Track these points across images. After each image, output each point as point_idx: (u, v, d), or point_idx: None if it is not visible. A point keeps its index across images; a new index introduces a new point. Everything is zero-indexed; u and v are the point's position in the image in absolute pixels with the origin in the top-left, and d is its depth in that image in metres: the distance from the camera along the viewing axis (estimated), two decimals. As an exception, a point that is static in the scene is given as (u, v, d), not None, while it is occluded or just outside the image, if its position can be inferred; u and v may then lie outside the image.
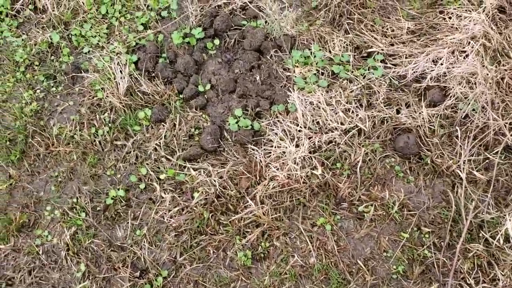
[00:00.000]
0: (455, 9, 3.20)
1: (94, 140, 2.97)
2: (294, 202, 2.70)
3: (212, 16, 3.33)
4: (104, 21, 3.45)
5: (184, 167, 2.84)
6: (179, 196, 2.75)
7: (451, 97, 2.87)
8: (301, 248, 2.60)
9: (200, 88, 3.10)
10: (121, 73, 3.10)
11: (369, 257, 2.57)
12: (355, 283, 2.50)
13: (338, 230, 2.63)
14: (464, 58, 2.96)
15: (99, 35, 3.38)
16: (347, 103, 2.91)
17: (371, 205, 2.64)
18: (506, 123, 2.71)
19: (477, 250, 2.46)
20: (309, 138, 2.82)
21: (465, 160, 2.66)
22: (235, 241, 2.62)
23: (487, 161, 2.70)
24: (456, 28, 3.12)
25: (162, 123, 3.00)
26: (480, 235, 2.51)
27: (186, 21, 3.37)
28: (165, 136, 2.94)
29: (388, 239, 2.60)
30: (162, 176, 2.81)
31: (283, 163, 2.75)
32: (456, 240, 2.53)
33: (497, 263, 2.44)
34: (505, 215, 2.51)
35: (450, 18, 3.18)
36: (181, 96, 3.09)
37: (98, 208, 2.78)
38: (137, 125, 3.01)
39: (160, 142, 2.91)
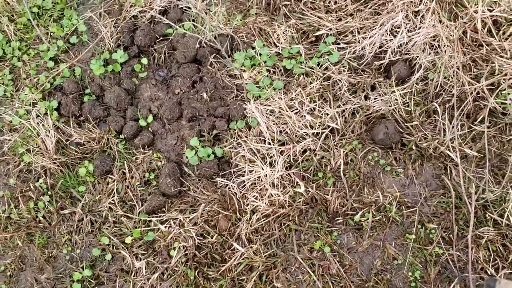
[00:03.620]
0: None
1: (36, 216, 2.46)
2: (284, 231, 2.36)
3: (130, 31, 2.78)
4: (3, 64, 2.81)
5: (150, 221, 2.40)
6: (154, 259, 2.34)
7: (418, 68, 2.55)
8: (304, 280, 2.29)
9: (142, 123, 2.60)
10: (44, 127, 2.55)
11: (380, 270, 2.30)
12: (373, 303, 2.24)
13: (339, 248, 2.33)
14: (420, 21, 2.63)
15: (3, 84, 2.76)
16: (310, 102, 2.53)
17: (368, 212, 2.34)
18: (483, 84, 2.43)
19: (488, 234, 2.24)
20: (281, 153, 2.45)
21: (451, 138, 2.39)
22: (232, 295, 2.27)
23: (473, 132, 2.44)
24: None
25: (109, 175, 2.51)
26: (487, 216, 2.29)
27: (101, 43, 2.80)
28: (117, 190, 2.47)
29: (395, 245, 2.33)
30: (128, 240, 2.37)
31: (260, 189, 2.38)
32: (464, 228, 2.30)
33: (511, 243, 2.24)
34: (508, 190, 2.28)
35: (393, -25, 2.80)
36: (121, 136, 2.59)
37: (65, 298, 2.33)
38: (81, 184, 2.51)
39: (114, 200, 2.44)
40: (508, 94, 2.39)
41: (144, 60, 2.74)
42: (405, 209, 2.36)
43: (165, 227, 2.36)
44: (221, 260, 2.32)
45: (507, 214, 2.24)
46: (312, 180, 2.43)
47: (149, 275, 2.30)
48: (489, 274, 2.19)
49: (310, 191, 2.37)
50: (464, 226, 2.30)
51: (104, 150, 2.56)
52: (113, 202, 2.44)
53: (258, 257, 2.27)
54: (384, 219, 2.34)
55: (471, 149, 2.39)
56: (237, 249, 2.29)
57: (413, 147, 2.44)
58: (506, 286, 1.93)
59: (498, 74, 2.44)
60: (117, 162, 2.52)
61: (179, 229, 2.33)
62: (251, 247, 2.30)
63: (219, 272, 2.28)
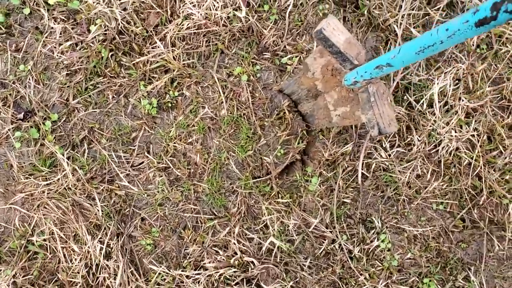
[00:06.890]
0: None
1: None
2: (211, 48, 2.26)
3: None
4: None
5: (80, -8, 2.24)
6: (72, 28, 2.20)
7: None
8: (213, 98, 2.25)
9: None
10: None
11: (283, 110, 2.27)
12: (266, 139, 2.24)
13: (256, 81, 2.27)
14: None
15: None
16: None
17: (296, 56, 2.27)
18: (456, -25, 2.30)
19: (399, 113, 2.24)
20: (234, -29, 2.28)
21: (404, 14, 2.29)
22: (139, 87, 2.20)
23: (426, 17, 2.35)
24: None
25: None
26: (405, 98, 2.27)
27: None
28: (55, -50, 2.25)
29: (309, 96, 2.29)
30: (51, 1, 2.21)
31: (201, -2, 2.24)
32: (379, 101, 2.28)
33: (415, 127, 2.25)
34: (433, 78, 2.26)
35: None
36: None
37: (-31, 35, 2.19)
38: None
39: (48, -43, 2.24)
40: (474, -10, 2.28)
41: None
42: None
43: (93, 1, 2.20)
44: (139, 52, 2.22)
45: (423, 101, 2.23)
46: (256, 10, 2.30)
47: (62, 42, 2.18)
48: (383, 147, 2.22)
49: (250, 20, 2.25)
50: (380, 100, 2.28)
51: None
52: (46, -41, 2.23)
53: (176, 62, 2.19)
54: (309, 68, 2.27)
55: (418, 32, 2.31)
56: (159, 47, 2.19)
57: (366, 12, 2.33)
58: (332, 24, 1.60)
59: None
60: None
61: (105, 8, 2.18)
62: (173, 50, 2.20)
63: (133, 63, 2.19)
